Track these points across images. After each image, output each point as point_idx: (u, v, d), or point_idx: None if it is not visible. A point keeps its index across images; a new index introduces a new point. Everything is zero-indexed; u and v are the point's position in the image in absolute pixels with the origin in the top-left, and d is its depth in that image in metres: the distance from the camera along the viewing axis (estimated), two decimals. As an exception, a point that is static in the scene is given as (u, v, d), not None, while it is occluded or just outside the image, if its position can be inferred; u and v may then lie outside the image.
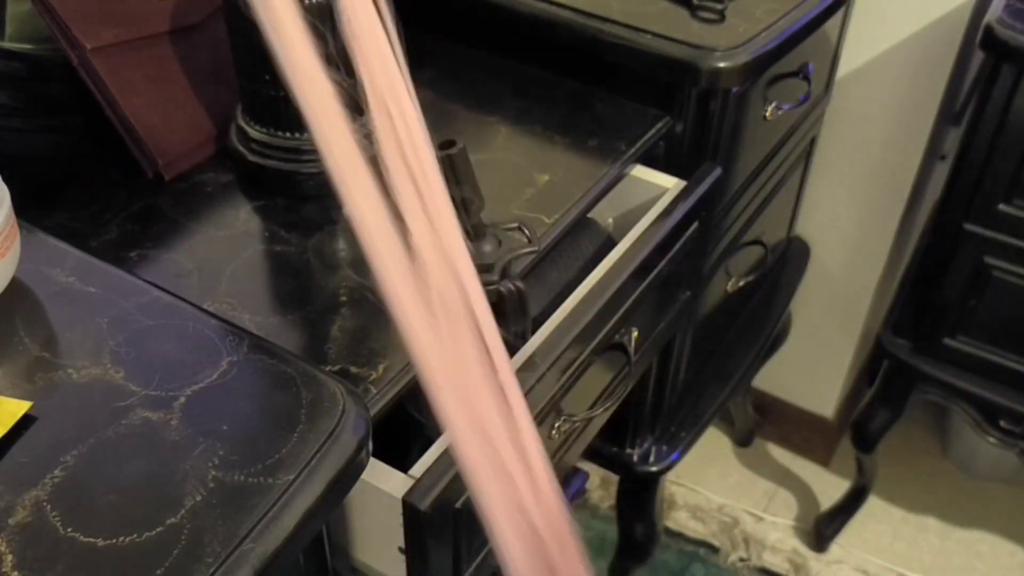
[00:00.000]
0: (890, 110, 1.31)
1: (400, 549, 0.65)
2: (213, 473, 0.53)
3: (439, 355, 0.44)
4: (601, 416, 0.87)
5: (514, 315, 0.72)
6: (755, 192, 1.13)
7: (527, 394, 0.68)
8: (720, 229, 1.06)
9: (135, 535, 0.50)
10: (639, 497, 1.32)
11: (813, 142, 1.32)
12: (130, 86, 0.80)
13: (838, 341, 1.58)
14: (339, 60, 0.40)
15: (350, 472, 0.55)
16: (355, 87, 0.42)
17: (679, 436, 1.22)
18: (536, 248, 0.72)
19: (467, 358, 0.44)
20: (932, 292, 1.20)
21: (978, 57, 1.20)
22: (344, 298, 0.72)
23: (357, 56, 0.41)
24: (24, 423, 0.54)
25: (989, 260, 1.13)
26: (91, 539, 0.49)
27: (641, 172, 0.91)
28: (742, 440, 1.76)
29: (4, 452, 0.53)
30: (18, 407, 0.54)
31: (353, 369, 0.66)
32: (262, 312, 0.70)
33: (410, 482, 0.62)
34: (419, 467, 0.64)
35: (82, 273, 0.65)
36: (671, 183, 0.90)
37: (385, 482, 0.63)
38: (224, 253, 0.75)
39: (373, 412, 0.63)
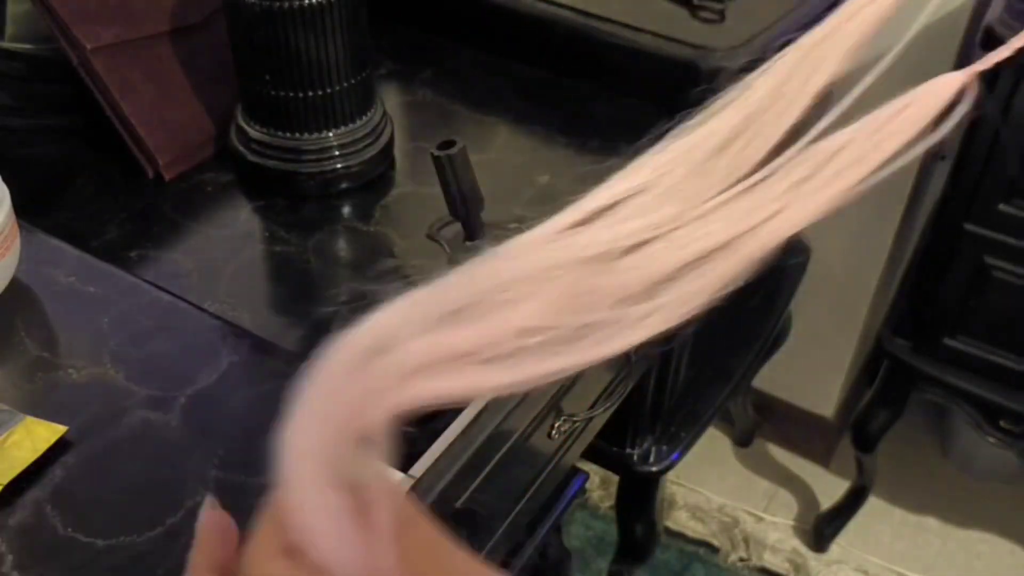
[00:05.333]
0: (890, 110, 1.31)
1: (400, 549, 0.65)
2: (213, 473, 0.53)
3: None
4: (601, 416, 0.87)
5: (514, 315, 0.72)
6: (755, 192, 1.12)
7: (527, 394, 0.69)
8: (720, 229, 1.06)
9: (135, 535, 0.50)
10: (639, 497, 1.32)
11: (813, 142, 1.32)
12: (130, 86, 0.80)
13: (838, 341, 1.58)
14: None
15: (350, 472, 0.55)
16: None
17: (679, 436, 1.22)
18: (536, 248, 0.72)
19: None
20: (932, 292, 1.20)
21: (978, 57, 1.20)
22: (344, 298, 0.72)
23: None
24: (60, 447, 0.53)
25: (989, 260, 1.13)
26: (91, 539, 0.49)
27: (641, 172, 0.90)
28: (742, 440, 1.76)
29: (38, 477, 0.52)
30: (52, 432, 0.54)
31: (353, 369, 0.66)
32: (262, 312, 0.70)
33: (410, 482, 0.62)
34: (419, 467, 0.64)
35: (82, 273, 0.65)
36: (671, 183, 0.90)
37: (385, 482, 0.63)
38: (224, 253, 0.75)
39: (373, 412, 0.63)
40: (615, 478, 1.33)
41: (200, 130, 0.84)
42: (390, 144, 0.85)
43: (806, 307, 1.56)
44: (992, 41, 1.01)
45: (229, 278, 0.73)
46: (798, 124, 0.38)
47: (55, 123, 0.86)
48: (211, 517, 0.35)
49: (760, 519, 1.65)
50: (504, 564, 0.88)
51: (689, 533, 1.64)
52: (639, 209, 0.37)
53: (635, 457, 1.19)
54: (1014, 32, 1.02)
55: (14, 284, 0.63)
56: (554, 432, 0.77)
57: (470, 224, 0.69)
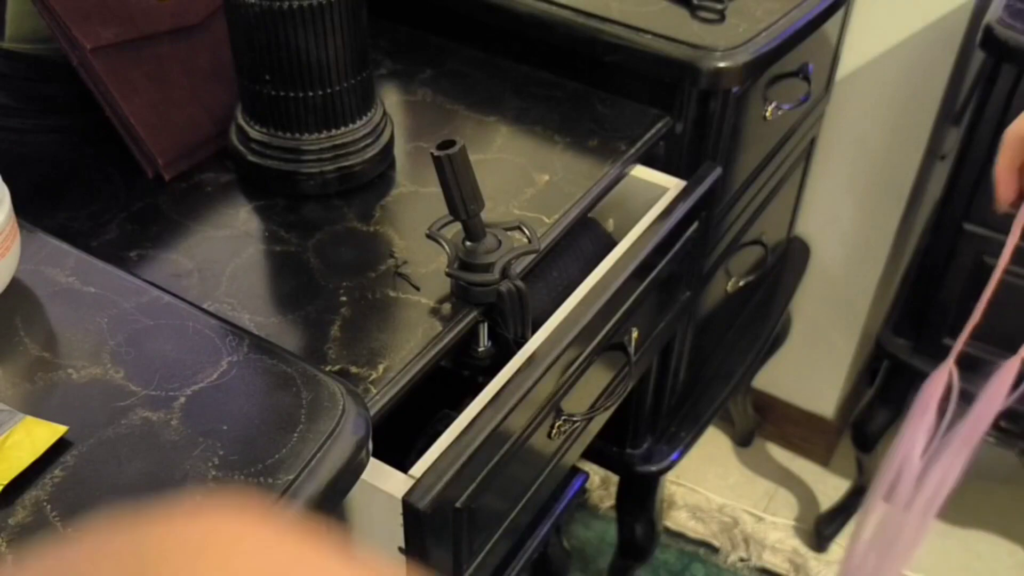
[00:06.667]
0: (890, 110, 1.31)
1: (400, 549, 0.65)
2: (213, 473, 0.53)
3: None
4: (601, 416, 0.87)
5: (514, 315, 0.72)
6: (755, 192, 1.13)
7: (527, 394, 0.69)
8: (720, 229, 1.06)
9: (135, 535, 0.50)
10: (639, 497, 1.32)
11: (813, 142, 1.32)
12: (130, 86, 0.80)
13: (838, 341, 1.58)
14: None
15: (350, 472, 0.55)
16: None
17: (679, 436, 1.22)
18: (536, 248, 0.72)
19: None
20: (932, 292, 1.20)
21: (978, 57, 1.20)
22: (344, 298, 0.72)
23: None
24: (60, 447, 0.53)
25: (989, 260, 1.13)
26: (91, 539, 0.49)
27: (641, 172, 0.91)
28: (742, 440, 1.76)
29: (38, 477, 0.52)
30: (52, 432, 0.54)
31: (353, 369, 0.66)
32: (262, 312, 0.70)
33: (410, 482, 0.62)
34: (419, 467, 0.64)
35: (82, 273, 0.65)
36: (671, 183, 0.90)
37: (385, 482, 0.63)
38: (224, 253, 0.75)
39: (373, 412, 0.63)
40: (615, 478, 1.33)
41: (200, 130, 0.84)
42: (390, 144, 0.85)
43: (806, 307, 1.56)
44: (992, 41, 1.01)
45: (229, 278, 0.73)
46: None
47: (55, 123, 0.86)
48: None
49: (760, 519, 1.65)
50: (504, 564, 0.88)
51: (689, 533, 1.63)
52: None
53: (635, 457, 1.19)
54: (1014, 32, 1.02)
55: (14, 284, 0.63)
56: (554, 432, 0.77)
57: (470, 224, 0.69)
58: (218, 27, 0.83)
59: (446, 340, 0.70)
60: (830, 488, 1.67)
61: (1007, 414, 1.29)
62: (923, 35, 1.23)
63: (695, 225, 0.90)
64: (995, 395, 0.72)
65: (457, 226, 0.70)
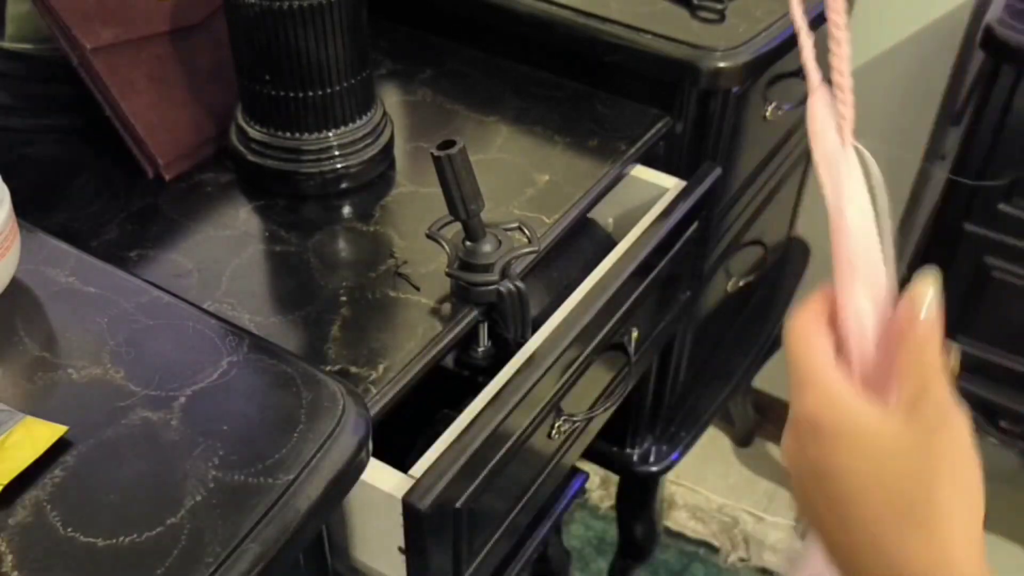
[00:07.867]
0: (890, 110, 1.31)
1: (400, 549, 0.65)
2: (213, 473, 0.53)
3: None
4: (601, 416, 0.87)
5: (514, 315, 0.72)
6: (755, 192, 1.13)
7: (527, 394, 0.69)
8: (720, 229, 1.06)
9: (135, 535, 0.50)
10: (639, 497, 1.32)
11: (813, 142, 1.31)
12: (130, 86, 0.80)
13: (838, 341, 1.58)
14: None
15: (350, 472, 0.55)
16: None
17: (679, 436, 1.22)
18: (536, 248, 0.72)
19: None
20: (932, 292, 1.20)
21: (978, 57, 1.20)
22: (344, 298, 0.72)
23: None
24: (60, 447, 0.54)
25: (989, 260, 1.13)
26: (91, 539, 0.49)
27: (641, 172, 0.91)
28: (742, 440, 1.76)
29: (38, 477, 0.52)
30: (52, 432, 0.54)
31: (353, 369, 0.66)
32: (262, 312, 0.70)
33: (410, 482, 0.62)
34: (419, 467, 0.64)
35: (82, 273, 0.65)
36: (671, 183, 0.90)
37: (385, 482, 0.63)
38: (224, 253, 0.75)
39: (373, 412, 0.63)
40: (615, 478, 1.33)
41: (200, 130, 0.84)
42: (390, 144, 0.85)
43: (806, 307, 1.56)
44: (992, 41, 1.01)
45: (229, 278, 0.73)
46: None
47: (55, 123, 0.86)
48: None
49: (760, 519, 1.65)
50: (504, 564, 0.88)
51: (689, 533, 1.64)
52: None
53: (635, 457, 1.19)
54: (1014, 32, 1.02)
55: (14, 284, 0.63)
56: (554, 432, 0.77)
57: (470, 224, 0.69)
58: (218, 27, 0.83)
59: (446, 340, 0.70)
60: (830, 488, 1.67)
61: (1007, 414, 1.29)
62: (923, 35, 1.23)
63: (695, 225, 0.90)
64: None
65: (457, 226, 0.70)
